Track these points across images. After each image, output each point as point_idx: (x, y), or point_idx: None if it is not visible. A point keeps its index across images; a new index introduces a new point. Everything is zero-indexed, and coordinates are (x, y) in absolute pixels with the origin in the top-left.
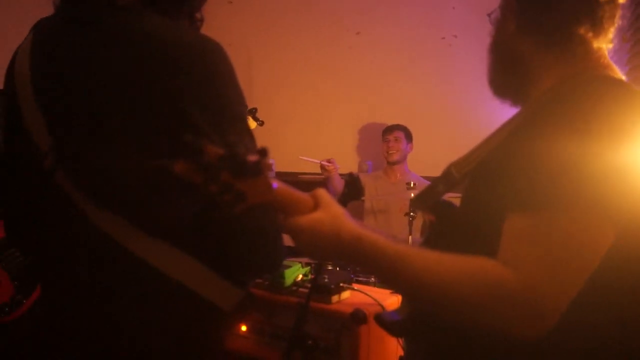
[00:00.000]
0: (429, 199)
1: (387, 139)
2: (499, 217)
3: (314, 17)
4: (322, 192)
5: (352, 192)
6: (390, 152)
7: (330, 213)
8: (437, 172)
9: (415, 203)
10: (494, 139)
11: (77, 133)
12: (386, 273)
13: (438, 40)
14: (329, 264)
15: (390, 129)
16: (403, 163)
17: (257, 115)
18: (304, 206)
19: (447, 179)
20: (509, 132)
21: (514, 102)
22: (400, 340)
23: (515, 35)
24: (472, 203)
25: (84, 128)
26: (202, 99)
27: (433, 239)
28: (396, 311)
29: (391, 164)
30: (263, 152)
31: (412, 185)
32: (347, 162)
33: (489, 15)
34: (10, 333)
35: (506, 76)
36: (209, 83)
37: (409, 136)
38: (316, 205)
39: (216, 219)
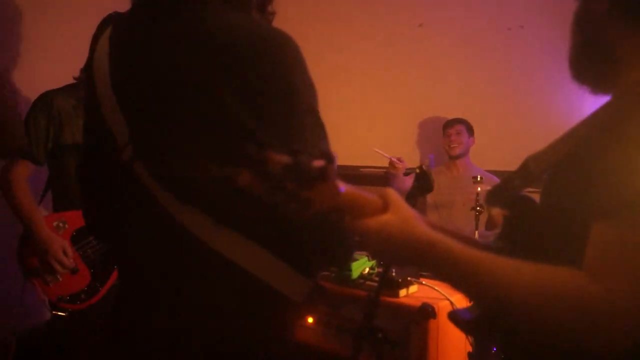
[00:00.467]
0: (504, 193)
1: (448, 133)
2: (583, 219)
3: (375, 8)
4: (391, 193)
5: (424, 185)
6: (452, 145)
7: (400, 215)
8: (502, 166)
9: (490, 197)
10: (579, 132)
11: (153, 126)
12: (461, 281)
13: (504, 31)
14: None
15: (451, 123)
16: (465, 157)
17: None
18: (372, 207)
19: (524, 174)
20: (596, 127)
21: (595, 88)
22: (470, 337)
23: (606, 16)
24: (553, 201)
25: (159, 121)
26: (273, 93)
27: (508, 235)
28: (469, 309)
29: (453, 158)
30: (329, 157)
31: (478, 178)
32: (406, 156)
33: None
34: (85, 319)
35: (590, 60)
36: (280, 76)
37: (470, 129)
38: (385, 206)
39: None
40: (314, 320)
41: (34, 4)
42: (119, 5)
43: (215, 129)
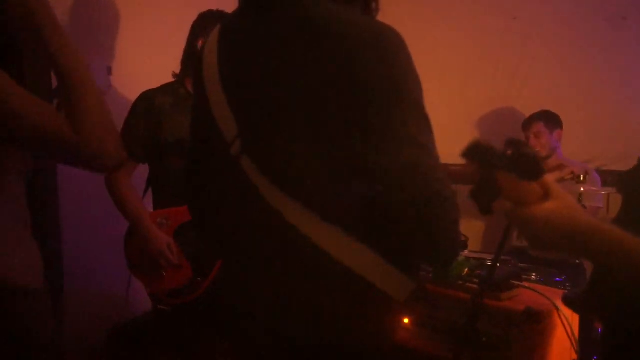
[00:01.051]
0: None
1: (527, 136)
2: None
3: (470, 0)
4: (551, 181)
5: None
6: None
7: (564, 203)
8: (597, 164)
9: (622, 182)
10: None
11: (261, 121)
12: (630, 266)
13: (601, 23)
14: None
15: (527, 123)
16: (555, 155)
17: None
18: (532, 195)
19: None
20: None
21: None
22: (575, 342)
23: None
24: None
25: (267, 116)
26: (383, 87)
27: (630, 218)
28: (579, 290)
29: None
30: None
31: (581, 178)
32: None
33: None
34: (188, 313)
35: None
36: (390, 70)
37: (551, 123)
38: (546, 194)
39: (393, 208)
40: (410, 321)
41: (130, 4)
42: (213, 3)
43: (325, 119)
